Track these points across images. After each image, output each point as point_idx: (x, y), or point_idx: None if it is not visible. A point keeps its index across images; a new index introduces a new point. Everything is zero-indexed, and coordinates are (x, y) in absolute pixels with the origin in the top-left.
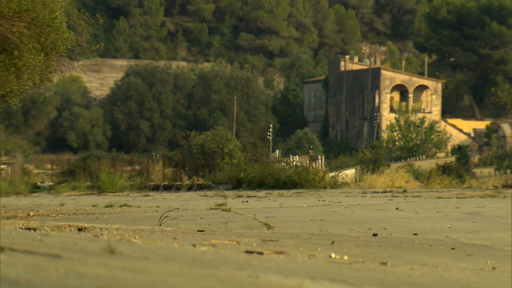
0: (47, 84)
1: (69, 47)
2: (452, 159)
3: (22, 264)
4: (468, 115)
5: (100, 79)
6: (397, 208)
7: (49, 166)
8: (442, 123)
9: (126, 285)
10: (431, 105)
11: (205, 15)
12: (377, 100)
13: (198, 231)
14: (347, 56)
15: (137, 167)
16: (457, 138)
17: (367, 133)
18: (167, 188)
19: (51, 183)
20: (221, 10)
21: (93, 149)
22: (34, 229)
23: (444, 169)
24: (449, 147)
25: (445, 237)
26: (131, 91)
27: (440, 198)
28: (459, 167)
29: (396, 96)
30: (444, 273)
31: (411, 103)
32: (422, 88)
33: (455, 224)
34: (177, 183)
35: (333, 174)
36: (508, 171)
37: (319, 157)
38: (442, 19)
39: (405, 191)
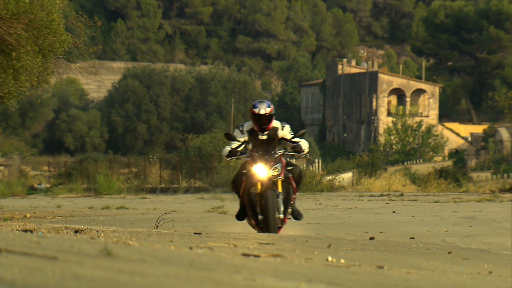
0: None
1: (67, 49)
2: (449, 163)
3: (19, 266)
4: (466, 119)
5: (97, 81)
6: (394, 212)
7: (46, 168)
8: (439, 127)
9: (123, 287)
10: (429, 109)
11: (202, 18)
12: (374, 103)
13: (195, 233)
14: (345, 60)
15: (134, 170)
16: (454, 142)
17: (364, 137)
18: (164, 191)
19: (48, 185)
20: (218, 13)
21: (90, 151)
22: (31, 231)
23: (441, 173)
24: (446, 151)
25: (442, 241)
26: (129, 94)
27: (437, 202)
28: (456, 171)
29: (394, 99)
30: (440, 277)
31: (408, 106)
32: (419, 92)
33: (452, 228)
34: (174, 185)
35: (330, 177)
36: (505, 175)
37: (316, 160)
38: (440, 23)
39: (402, 194)
